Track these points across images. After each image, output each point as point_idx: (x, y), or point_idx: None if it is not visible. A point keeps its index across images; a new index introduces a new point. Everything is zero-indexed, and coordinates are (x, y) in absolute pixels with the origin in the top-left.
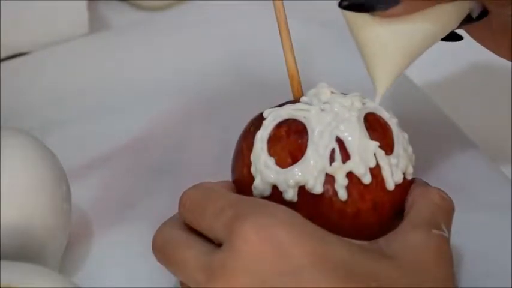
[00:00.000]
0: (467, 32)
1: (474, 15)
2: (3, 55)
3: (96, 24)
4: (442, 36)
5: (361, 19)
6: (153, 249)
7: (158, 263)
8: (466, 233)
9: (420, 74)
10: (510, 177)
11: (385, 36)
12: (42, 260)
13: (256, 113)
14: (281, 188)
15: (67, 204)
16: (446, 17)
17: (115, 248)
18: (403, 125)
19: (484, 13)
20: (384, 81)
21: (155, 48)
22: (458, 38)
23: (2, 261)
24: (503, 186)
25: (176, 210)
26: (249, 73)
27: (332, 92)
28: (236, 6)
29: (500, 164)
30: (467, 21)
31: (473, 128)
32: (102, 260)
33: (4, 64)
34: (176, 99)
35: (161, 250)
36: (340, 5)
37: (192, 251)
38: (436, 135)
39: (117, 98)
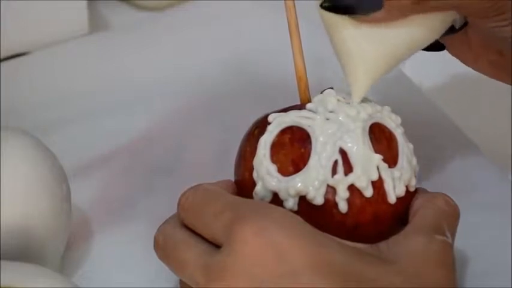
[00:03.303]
0: (446, 46)
1: (457, 27)
2: (3, 55)
3: (96, 24)
4: (423, 46)
5: (340, 21)
6: (154, 247)
7: (158, 263)
8: (466, 233)
9: (420, 74)
10: (510, 177)
11: (364, 41)
12: (42, 260)
13: (256, 113)
14: (282, 196)
15: (67, 204)
16: (428, 26)
17: (115, 248)
18: (402, 125)
19: (465, 24)
20: (360, 86)
21: (155, 48)
22: (441, 47)
23: (2, 262)
24: (503, 186)
25: (176, 210)
26: (249, 73)
27: (338, 100)
28: (236, 6)
29: (500, 163)
30: (448, 32)
31: (473, 128)
32: (102, 260)
33: (4, 64)
34: (176, 99)
35: (162, 249)
36: (321, 6)
37: (192, 252)
38: (436, 136)
39: (117, 98)
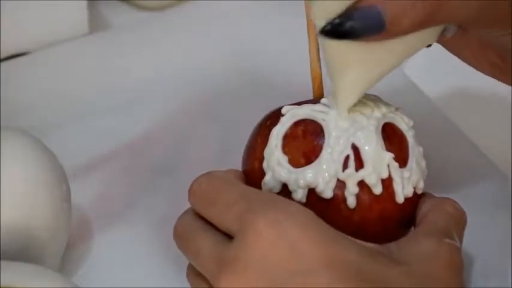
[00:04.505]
0: (444, 46)
1: (449, 35)
2: (3, 55)
3: (96, 24)
4: (413, 55)
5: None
6: (173, 235)
7: (158, 263)
8: (466, 233)
9: (422, 77)
10: (510, 177)
11: (353, 54)
12: (42, 260)
13: (256, 113)
14: (291, 187)
15: (67, 204)
16: (421, 37)
17: (115, 248)
18: None
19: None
20: (346, 98)
21: (155, 48)
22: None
23: (2, 262)
24: (503, 186)
25: (176, 210)
26: (249, 73)
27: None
28: (236, 6)
29: (500, 164)
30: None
31: (473, 128)
32: (102, 260)
33: (4, 64)
34: (176, 99)
35: (179, 237)
36: (322, 31)
37: (206, 242)
38: (436, 136)
39: (117, 98)
